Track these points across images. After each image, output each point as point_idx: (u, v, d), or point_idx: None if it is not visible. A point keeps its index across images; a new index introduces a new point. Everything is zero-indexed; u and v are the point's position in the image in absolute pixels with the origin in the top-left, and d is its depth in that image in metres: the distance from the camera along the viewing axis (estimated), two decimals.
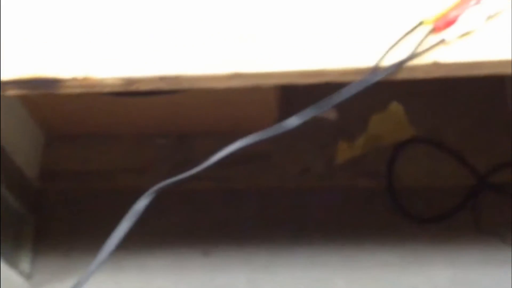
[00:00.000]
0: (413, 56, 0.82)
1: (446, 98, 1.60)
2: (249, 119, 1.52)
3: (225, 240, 1.54)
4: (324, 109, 0.83)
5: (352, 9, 0.85)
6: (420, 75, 0.84)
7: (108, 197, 1.57)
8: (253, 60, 0.84)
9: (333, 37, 0.84)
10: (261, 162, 1.58)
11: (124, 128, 1.62)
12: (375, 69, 0.83)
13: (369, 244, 1.51)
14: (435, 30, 0.82)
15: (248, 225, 1.55)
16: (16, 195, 1.47)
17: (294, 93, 1.40)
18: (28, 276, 1.51)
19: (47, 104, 1.55)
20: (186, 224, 1.56)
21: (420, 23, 0.83)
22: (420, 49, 0.82)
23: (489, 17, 0.83)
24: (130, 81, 0.84)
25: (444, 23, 0.82)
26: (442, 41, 0.82)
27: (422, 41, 0.82)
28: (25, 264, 1.52)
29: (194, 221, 1.56)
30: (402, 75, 0.83)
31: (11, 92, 0.85)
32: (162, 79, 0.84)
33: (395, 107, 1.60)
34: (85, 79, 0.84)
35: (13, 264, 1.45)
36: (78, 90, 0.85)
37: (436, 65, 0.82)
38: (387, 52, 0.82)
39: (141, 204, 0.79)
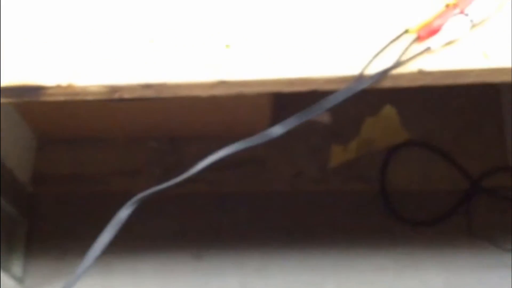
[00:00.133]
0: (397, 64, 0.82)
1: (439, 102, 1.59)
2: (242, 122, 1.51)
3: (217, 244, 1.53)
4: (308, 118, 0.83)
5: (337, 17, 0.85)
6: (405, 83, 0.83)
7: (100, 200, 1.56)
8: (237, 68, 0.84)
9: (318, 45, 0.84)
10: (254, 166, 1.58)
11: (116, 131, 1.61)
12: (360, 77, 0.82)
13: (362, 248, 1.51)
14: (419, 38, 0.82)
15: (241, 229, 1.54)
16: (8, 199, 1.47)
17: (286, 97, 1.39)
18: (20, 280, 1.51)
19: (40, 108, 1.55)
20: (178, 228, 1.55)
21: (405, 32, 0.83)
22: (404, 58, 0.82)
23: (474, 25, 0.82)
24: (113, 89, 0.84)
25: (428, 31, 0.81)
26: (427, 50, 0.81)
27: (406, 49, 0.82)
28: (17, 267, 1.51)
29: (186, 225, 1.55)
30: (387, 83, 0.83)
31: None
32: (145, 87, 0.84)
33: (389, 111, 1.59)
34: (69, 86, 0.83)
35: (5, 267, 1.44)
36: (62, 98, 0.85)
37: (421, 73, 0.82)
38: (372, 60, 0.82)
39: (124, 213, 0.79)
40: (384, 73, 0.81)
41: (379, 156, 1.57)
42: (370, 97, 1.53)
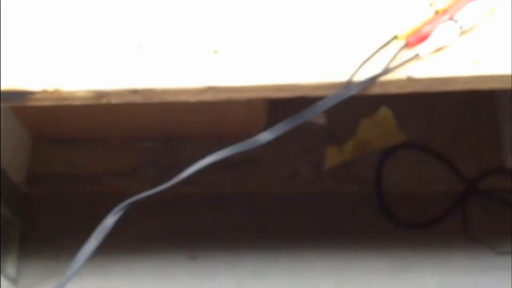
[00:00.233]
0: (386, 71, 0.81)
1: (435, 103, 1.59)
2: (238, 123, 1.51)
3: (212, 245, 1.53)
4: (296, 124, 0.83)
5: (326, 23, 0.85)
6: (394, 90, 0.83)
7: (95, 200, 1.56)
8: (226, 73, 0.83)
9: (307, 51, 0.84)
10: (249, 167, 1.58)
11: (111, 131, 1.61)
12: (349, 84, 0.82)
13: (357, 250, 1.51)
14: (408, 45, 0.81)
15: (236, 230, 1.54)
16: (2, 199, 1.47)
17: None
18: (14, 281, 1.51)
19: (34, 108, 1.54)
20: (173, 229, 1.55)
21: (394, 38, 0.82)
22: (393, 64, 0.81)
23: (463, 32, 0.82)
24: (100, 94, 0.83)
25: (417, 38, 0.81)
26: (415, 56, 0.81)
27: (395, 56, 0.81)
28: (11, 268, 1.51)
29: (181, 226, 1.55)
30: (375, 90, 0.83)
31: None
32: (133, 92, 0.83)
33: (384, 112, 1.59)
34: (55, 91, 0.83)
35: None
36: (48, 103, 0.84)
37: (410, 80, 0.81)
38: (361, 66, 0.82)
39: (110, 220, 0.79)
40: (373, 80, 0.81)
41: (374, 157, 1.57)
42: (365, 99, 1.51)
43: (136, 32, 0.85)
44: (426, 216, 1.51)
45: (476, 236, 1.48)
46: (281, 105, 1.47)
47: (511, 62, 0.81)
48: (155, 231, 1.54)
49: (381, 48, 0.82)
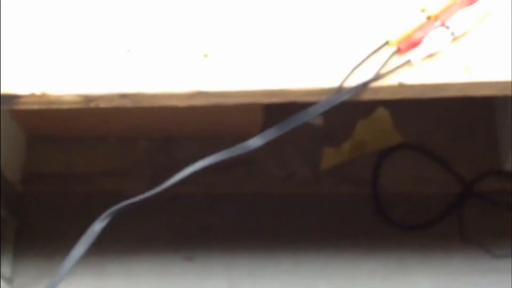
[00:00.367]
0: (377, 77, 0.81)
1: (432, 104, 1.56)
2: (234, 123, 1.51)
3: (208, 246, 1.52)
4: (286, 130, 0.82)
5: (316, 28, 0.84)
6: (385, 96, 0.82)
7: (91, 200, 1.55)
8: (216, 78, 0.83)
9: (298, 57, 0.83)
10: (245, 167, 1.57)
11: (107, 131, 1.60)
12: (340, 90, 0.81)
13: (353, 251, 1.50)
14: (399, 51, 0.80)
15: (232, 231, 1.53)
16: None
17: None
18: (9, 280, 1.50)
19: None
20: (169, 229, 1.54)
21: (385, 44, 0.81)
22: (384, 70, 0.81)
23: (455, 38, 0.81)
24: (88, 98, 0.83)
25: (409, 44, 0.80)
26: (407, 62, 0.80)
27: (386, 62, 0.81)
28: (6, 268, 1.51)
29: (177, 226, 1.54)
30: (366, 96, 0.82)
31: None
32: (122, 96, 0.83)
33: (382, 113, 1.58)
34: (42, 95, 0.82)
35: None
36: (36, 106, 0.84)
37: (401, 86, 0.81)
38: (351, 72, 0.81)
39: (97, 226, 0.78)
40: (364, 86, 0.80)
41: (371, 158, 1.56)
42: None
43: (125, 35, 0.85)
44: (422, 218, 1.51)
45: (472, 239, 1.47)
46: (279, 105, 1.46)
47: (503, 68, 0.80)
48: (151, 231, 1.54)
49: (372, 53, 0.81)
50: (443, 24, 0.80)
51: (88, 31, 0.85)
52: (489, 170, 1.52)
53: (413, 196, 1.53)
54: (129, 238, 1.50)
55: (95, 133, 1.61)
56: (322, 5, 0.85)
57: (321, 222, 1.53)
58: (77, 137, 1.61)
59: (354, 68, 0.81)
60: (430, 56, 0.81)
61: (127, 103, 0.83)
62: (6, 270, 1.50)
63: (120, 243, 1.49)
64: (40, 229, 1.56)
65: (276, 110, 1.51)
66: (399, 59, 0.81)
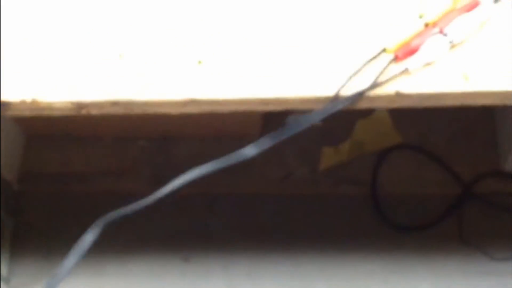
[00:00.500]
0: (374, 85, 0.79)
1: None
2: (233, 122, 1.50)
3: (206, 247, 1.52)
4: (281, 138, 0.81)
5: (313, 36, 0.83)
6: (382, 104, 0.81)
7: (88, 200, 1.55)
8: (209, 85, 0.81)
9: (293, 64, 0.82)
10: (243, 168, 1.55)
11: (105, 130, 1.59)
12: (336, 98, 0.80)
13: (351, 252, 1.49)
14: (397, 59, 0.79)
15: (230, 232, 1.53)
16: None
17: None
18: (6, 280, 1.50)
19: None
20: (166, 230, 1.53)
21: (382, 51, 0.80)
22: (381, 79, 0.79)
23: (453, 46, 0.79)
24: (80, 105, 0.82)
25: (406, 52, 0.79)
26: (404, 71, 0.79)
27: (383, 70, 0.79)
28: (2, 267, 1.50)
29: (175, 227, 1.54)
30: (363, 105, 0.81)
31: None
32: (113, 104, 0.82)
33: (381, 113, 1.57)
34: (33, 102, 0.81)
35: None
36: (27, 113, 0.83)
37: (398, 95, 0.80)
38: (348, 81, 0.80)
39: (88, 237, 0.77)
40: (360, 95, 0.79)
41: (370, 159, 1.55)
42: None
43: (117, 42, 0.83)
44: (421, 219, 1.50)
45: (471, 240, 1.47)
46: None
47: (503, 77, 0.78)
48: (150, 232, 1.53)
49: (369, 61, 0.80)
50: (441, 31, 0.79)
51: (79, 37, 0.84)
52: (488, 171, 1.51)
53: (412, 197, 1.52)
54: (126, 239, 1.49)
55: (93, 133, 1.61)
56: (319, 12, 0.83)
57: (320, 222, 1.52)
58: (74, 136, 1.61)
59: (351, 76, 0.79)
60: (428, 64, 0.79)
61: (118, 110, 0.82)
62: (3, 269, 1.50)
63: (118, 243, 1.49)
64: (37, 228, 1.56)
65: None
66: (396, 67, 0.79)
